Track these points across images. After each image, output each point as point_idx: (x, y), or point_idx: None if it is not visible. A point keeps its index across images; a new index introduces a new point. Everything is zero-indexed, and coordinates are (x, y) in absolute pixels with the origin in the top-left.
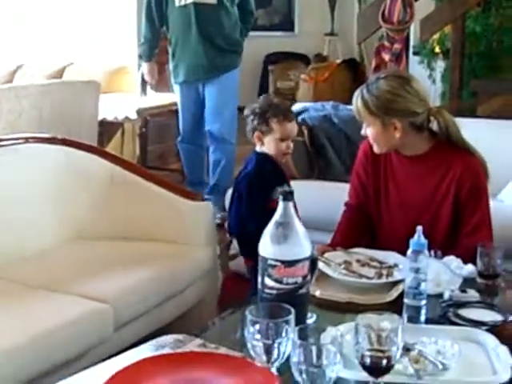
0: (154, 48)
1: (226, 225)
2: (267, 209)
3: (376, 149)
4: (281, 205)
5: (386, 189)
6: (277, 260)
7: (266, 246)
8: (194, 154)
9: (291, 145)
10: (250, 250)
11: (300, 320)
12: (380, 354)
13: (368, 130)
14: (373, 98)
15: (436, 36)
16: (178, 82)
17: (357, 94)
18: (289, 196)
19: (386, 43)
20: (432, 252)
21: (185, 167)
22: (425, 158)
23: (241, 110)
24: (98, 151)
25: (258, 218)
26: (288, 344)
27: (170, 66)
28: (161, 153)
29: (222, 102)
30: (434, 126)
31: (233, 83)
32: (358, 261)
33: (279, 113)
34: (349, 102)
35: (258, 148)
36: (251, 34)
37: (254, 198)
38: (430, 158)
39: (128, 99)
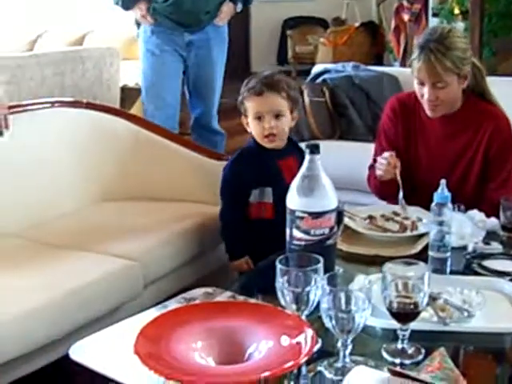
0: None
1: None
2: (246, 215)
3: (437, 113)
4: (307, 158)
5: (416, 147)
6: (304, 212)
7: (294, 199)
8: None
9: (274, 123)
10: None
11: (328, 270)
12: (407, 301)
13: (441, 93)
14: (455, 52)
15: None
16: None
17: (432, 57)
18: (315, 149)
19: (406, 3)
20: (455, 206)
21: None
22: (456, 116)
23: None
24: (123, 114)
25: (230, 223)
26: (317, 292)
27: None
28: (181, 120)
29: (211, 72)
30: None
31: (224, 41)
32: (382, 215)
33: (250, 87)
34: (368, 64)
35: None
36: None
37: (225, 199)
38: (461, 116)
39: None
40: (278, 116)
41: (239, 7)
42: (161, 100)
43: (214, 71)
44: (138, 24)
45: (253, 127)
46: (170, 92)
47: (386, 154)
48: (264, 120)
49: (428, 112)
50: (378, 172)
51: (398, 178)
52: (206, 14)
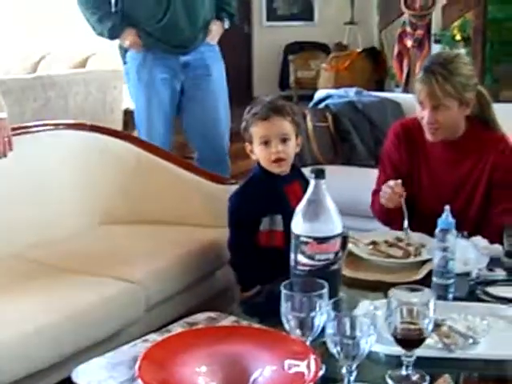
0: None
1: None
2: (255, 243)
3: (436, 137)
4: (312, 182)
5: (419, 173)
6: (309, 237)
7: (298, 224)
8: None
9: (281, 147)
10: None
11: (332, 296)
12: (412, 327)
13: (440, 116)
14: (457, 77)
15: (457, 23)
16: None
17: (433, 79)
18: (320, 174)
19: (409, 29)
20: (459, 233)
21: None
22: (459, 141)
23: None
24: (126, 136)
25: (240, 253)
26: (322, 318)
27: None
28: (181, 142)
29: (213, 97)
30: None
31: (220, 60)
32: (385, 241)
33: (254, 114)
34: (370, 90)
35: None
36: (271, 23)
37: (234, 229)
38: (464, 142)
39: None
40: (284, 140)
41: (226, 24)
42: (153, 130)
43: (216, 95)
44: (125, 50)
45: (259, 153)
46: (162, 122)
47: (391, 183)
48: (271, 144)
49: (428, 136)
50: (383, 200)
51: (404, 207)
52: (200, 30)
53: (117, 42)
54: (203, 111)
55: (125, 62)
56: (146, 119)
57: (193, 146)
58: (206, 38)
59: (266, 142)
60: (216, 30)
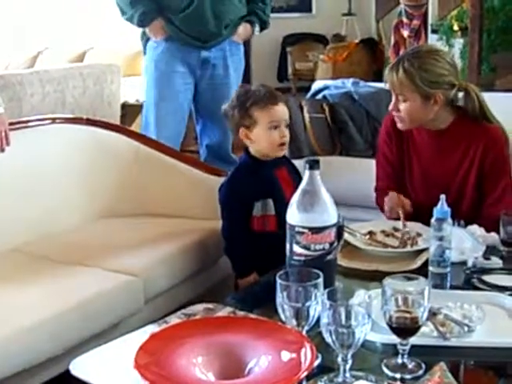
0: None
1: None
2: (249, 229)
3: (404, 125)
4: (307, 173)
5: (410, 164)
6: (304, 227)
7: (294, 214)
8: None
9: (286, 132)
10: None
11: (328, 286)
12: (407, 316)
13: (402, 106)
14: (420, 72)
15: (454, 13)
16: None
17: (395, 69)
18: (315, 165)
19: (405, 19)
20: (455, 221)
21: None
22: (447, 132)
23: None
24: (123, 130)
25: (234, 239)
26: (317, 307)
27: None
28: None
29: (229, 95)
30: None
31: (241, 61)
32: (382, 231)
33: (261, 98)
34: (368, 80)
35: (251, 148)
36: None
37: (227, 217)
38: (453, 132)
39: None
40: (287, 125)
41: (257, 30)
42: (165, 128)
43: (231, 93)
44: (147, 39)
45: (266, 137)
46: (176, 119)
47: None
48: (279, 129)
49: (397, 124)
50: (387, 209)
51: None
52: (226, 27)
53: (116, 36)
54: (214, 114)
55: (144, 53)
56: (157, 113)
57: (201, 144)
58: (230, 36)
59: (276, 127)
60: (242, 31)
